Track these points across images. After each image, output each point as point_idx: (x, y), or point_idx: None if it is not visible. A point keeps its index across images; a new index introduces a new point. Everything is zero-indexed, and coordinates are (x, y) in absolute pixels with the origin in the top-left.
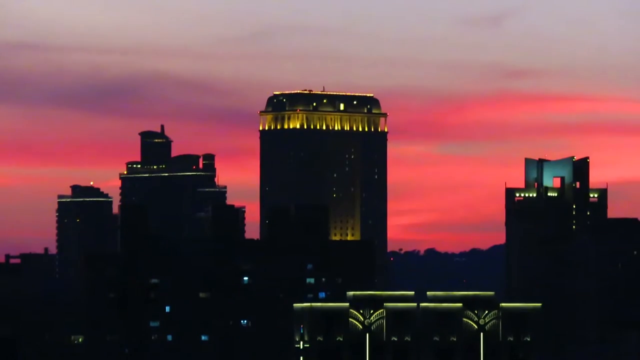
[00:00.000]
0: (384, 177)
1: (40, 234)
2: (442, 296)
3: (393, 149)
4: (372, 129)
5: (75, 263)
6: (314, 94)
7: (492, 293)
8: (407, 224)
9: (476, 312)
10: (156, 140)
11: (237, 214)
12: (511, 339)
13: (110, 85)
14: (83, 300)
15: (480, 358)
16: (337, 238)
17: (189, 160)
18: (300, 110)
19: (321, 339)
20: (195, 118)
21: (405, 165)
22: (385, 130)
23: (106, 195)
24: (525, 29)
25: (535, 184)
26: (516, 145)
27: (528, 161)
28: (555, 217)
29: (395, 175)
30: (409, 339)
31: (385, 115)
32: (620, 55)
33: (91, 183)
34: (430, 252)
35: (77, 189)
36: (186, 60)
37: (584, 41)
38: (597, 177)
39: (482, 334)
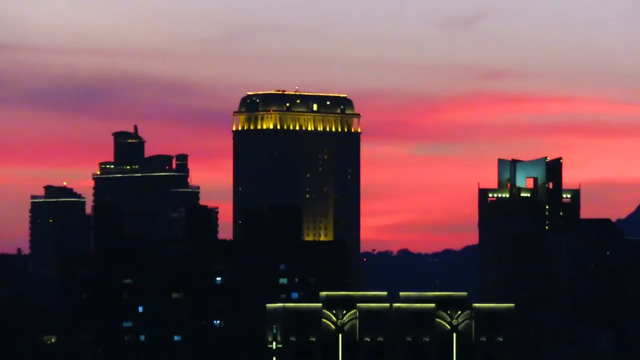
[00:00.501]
0: (357, 177)
1: (13, 234)
2: (415, 296)
3: (366, 150)
4: (346, 130)
5: (48, 263)
6: (287, 94)
7: (464, 293)
8: (380, 224)
9: (449, 312)
10: (129, 141)
11: (210, 214)
12: (484, 339)
13: (84, 86)
14: (56, 300)
15: (453, 358)
16: (310, 238)
17: (162, 160)
18: (273, 110)
19: (294, 340)
20: (168, 118)
21: (379, 166)
22: (359, 130)
23: (79, 196)
24: (499, 30)
25: (508, 184)
26: (489, 146)
27: (501, 162)
28: (528, 217)
29: (368, 175)
30: (382, 339)
31: (358, 115)
32: (593, 56)
33: (64, 183)
34: (403, 252)
35: (50, 190)
36: (160, 61)
37: (557, 42)
38: (569, 177)
39: (454, 334)
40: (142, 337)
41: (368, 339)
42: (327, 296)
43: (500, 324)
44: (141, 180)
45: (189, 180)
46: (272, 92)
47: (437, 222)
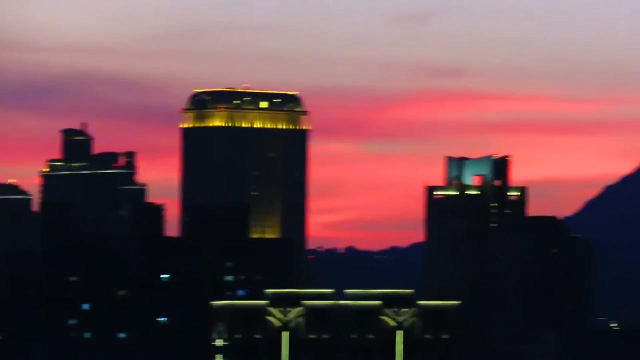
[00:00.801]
0: (305, 175)
1: None
2: (361, 294)
3: (315, 147)
4: (295, 127)
5: None
6: (236, 91)
7: (411, 291)
8: (327, 222)
9: (395, 310)
10: (77, 138)
11: (158, 211)
12: (430, 337)
13: (32, 83)
14: (3, 298)
15: (399, 356)
16: (257, 236)
17: (110, 158)
18: (222, 108)
19: (240, 337)
20: (116, 116)
21: (327, 164)
22: (308, 128)
23: (26, 193)
24: (449, 28)
25: (456, 182)
26: (437, 143)
27: (449, 159)
28: (475, 215)
29: (316, 173)
30: (328, 337)
31: (307, 113)
32: (541, 54)
33: (10, 181)
34: (350, 250)
35: None
36: (108, 58)
37: (506, 41)
38: (517, 175)
39: (400, 332)
40: (88, 335)
41: (314, 337)
42: (273, 294)
43: (446, 321)
44: (89, 177)
45: (136, 177)
46: (221, 89)
47: (384, 220)
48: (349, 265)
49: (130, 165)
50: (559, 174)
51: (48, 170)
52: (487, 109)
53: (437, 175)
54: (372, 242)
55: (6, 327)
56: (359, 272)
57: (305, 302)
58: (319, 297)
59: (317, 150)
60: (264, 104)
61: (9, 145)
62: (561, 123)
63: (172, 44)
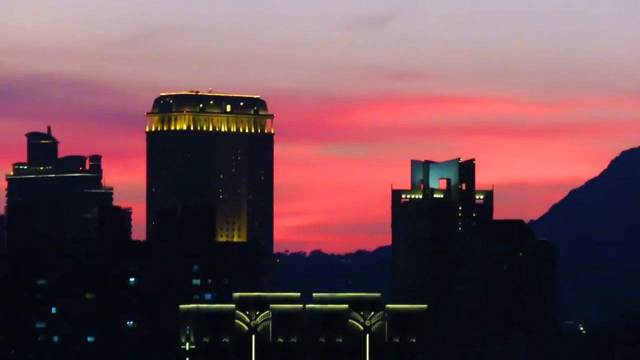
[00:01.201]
0: (271, 178)
1: None
2: (328, 297)
3: (279, 151)
4: (259, 131)
5: None
6: (201, 95)
7: (378, 294)
8: (293, 225)
9: (362, 313)
10: (43, 141)
11: (124, 215)
12: (397, 340)
13: None
14: None
15: (366, 359)
16: (223, 239)
17: (75, 161)
18: (186, 111)
19: (207, 340)
20: (81, 119)
21: (292, 167)
22: (272, 131)
23: None
24: (411, 31)
25: (421, 185)
26: (402, 146)
27: (414, 163)
28: (441, 218)
29: (281, 176)
30: (295, 340)
31: (271, 116)
32: (504, 56)
33: None
34: (317, 253)
35: None
36: (73, 61)
37: (468, 43)
38: (482, 178)
39: (368, 335)
40: (56, 338)
41: (281, 340)
42: (240, 297)
43: (413, 324)
44: (54, 181)
45: (102, 181)
46: (185, 93)
47: (350, 223)
48: (315, 269)
49: (96, 169)
50: (524, 177)
51: (13, 173)
52: (451, 112)
53: (401, 178)
54: (338, 245)
55: None
56: (325, 275)
57: (272, 305)
58: (286, 300)
59: (282, 154)
60: (228, 107)
61: None
62: (526, 126)
63: (137, 47)
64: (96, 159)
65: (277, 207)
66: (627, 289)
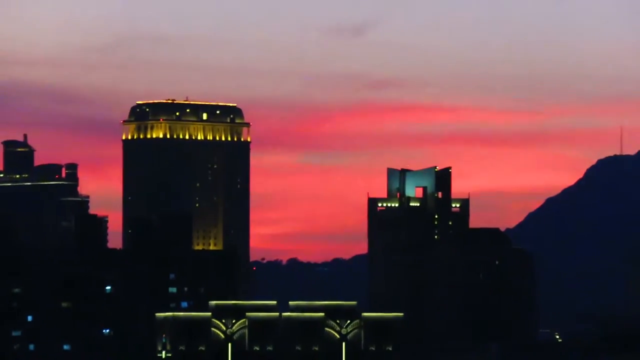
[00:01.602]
0: (247, 186)
1: None
2: (304, 306)
3: (256, 159)
4: (235, 139)
5: None
6: (177, 103)
7: (354, 303)
8: (269, 233)
9: (338, 321)
10: (19, 150)
11: (100, 223)
12: (373, 348)
13: None
14: None
15: None
16: (200, 247)
17: (51, 169)
18: (163, 119)
19: (183, 349)
20: (58, 127)
21: (268, 175)
22: (249, 140)
23: None
24: (387, 39)
25: (398, 193)
26: (379, 155)
27: (390, 171)
28: (418, 226)
29: (258, 185)
30: (271, 349)
31: (248, 125)
32: (481, 65)
33: None
34: (293, 261)
35: None
36: (49, 69)
37: (445, 51)
38: (459, 187)
39: (344, 343)
40: (32, 347)
41: (257, 348)
42: (216, 305)
43: (389, 333)
44: (31, 189)
45: (78, 189)
46: (161, 101)
47: (327, 232)
48: (292, 277)
49: (73, 177)
50: (500, 185)
51: None
52: (427, 121)
53: (378, 187)
54: (315, 253)
55: None
56: (302, 283)
57: (248, 313)
58: (263, 308)
59: (259, 162)
60: (204, 116)
61: None
62: (503, 134)
63: (113, 55)
64: (72, 167)
65: (253, 216)
66: (604, 296)
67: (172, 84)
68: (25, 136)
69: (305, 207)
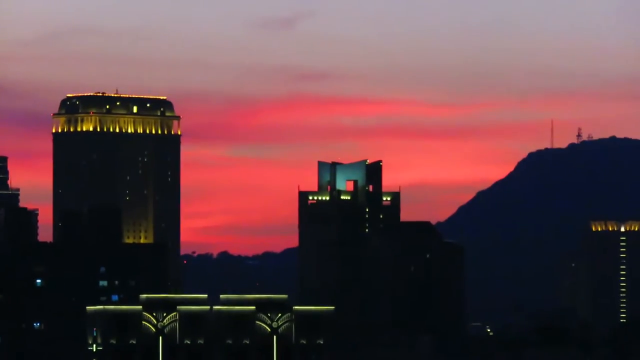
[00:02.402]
0: (177, 179)
1: None
2: (235, 299)
3: (186, 152)
4: (166, 132)
5: None
6: (107, 96)
7: (285, 296)
8: (200, 226)
9: (269, 315)
10: None
11: (30, 216)
12: (304, 341)
13: None
14: None
15: None
16: (130, 241)
17: None
18: (93, 112)
19: (114, 342)
20: None
21: (199, 168)
22: (179, 133)
23: None
24: (317, 31)
25: (329, 187)
26: (309, 148)
27: (321, 164)
28: (348, 220)
29: (188, 177)
30: (202, 342)
31: (178, 118)
32: (410, 58)
33: None
34: (223, 255)
35: None
36: None
37: (375, 44)
38: (389, 180)
39: (275, 336)
40: None
41: (188, 342)
42: (147, 298)
43: (320, 326)
44: None
45: (8, 182)
46: (91, 94)
47: (257, 225)
48: (222, 270)
49: (3, 170)
50: (431, 178)
51: None
52: (358, 114)
53: (309, 180)
54: (245, 247)
55: None
56: (232, 277)
57: (179, 307)
58: (193, 302)
59: (189, 155)
60: (134, 109)
61: None
62: (432, 127)
63: (42, 47)
64: (2, 160)
65: (183, 209)
66: (535, 289)
67: (102, 77)
68: None
69: (235, 200)
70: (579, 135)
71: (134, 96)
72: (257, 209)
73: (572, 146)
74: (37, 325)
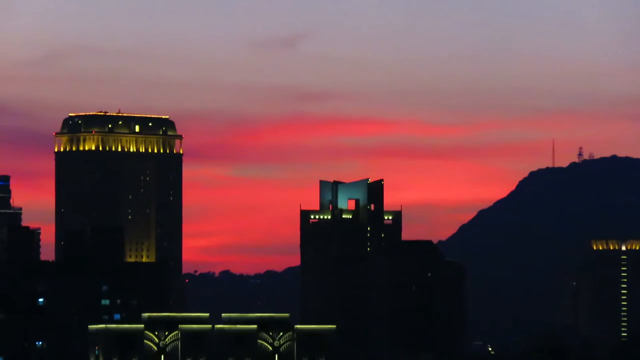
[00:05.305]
0: (179, 199)
1: None
2: (237, 318)
3: (188, 171)
4: (168, 151)
5: None
6: (110, 115)
7: (286, 315)
8: (202, 245)
9: (271, 333)
10: None
11: (33, 235)
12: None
13: None
14: None
15: None
16: (132, 260)
17: None
18: (95, 131)
19: None
20: None
21: (201, 187)
22: (181, 152)
23: None
24: (318, 52)
25: (330, 206)
26: (311, 167)
27: (323, 183)
28: (350, 239)
29: (190, 197)
30: None
31: (180, 137)
32: (412, 78)
33: None
34: (225, 273)
35: None
36: None
37: (376, 64)
38: (391, 199)
39: (277, 355)
40: None
41: None
42: (149, 317)
43: (321, 345)
44: None
45: (11, 201)
46: (94, 113)
47: (259, 244)
48: (224, 289)
49: (5, 189)
50: (433, 198)
51: None
52: (360, 133)
53: (310, 199)
54: (247, 266)
55: None
56: (234, 296)
57: (181, 325)
58: (195, 320)
59: (191, 174)
60: (136, 128)
61: None
62: (434, 147)
63: (44, 68)
64: (5, 179)
65: (185, 228)
66: (536, 308)
67: (104, 96)
68: None
69: (237, 219)
70: (580, 155)
71: (136, 115)
72: (259, 228)
73: (573, 165)
74: (39, 344)
